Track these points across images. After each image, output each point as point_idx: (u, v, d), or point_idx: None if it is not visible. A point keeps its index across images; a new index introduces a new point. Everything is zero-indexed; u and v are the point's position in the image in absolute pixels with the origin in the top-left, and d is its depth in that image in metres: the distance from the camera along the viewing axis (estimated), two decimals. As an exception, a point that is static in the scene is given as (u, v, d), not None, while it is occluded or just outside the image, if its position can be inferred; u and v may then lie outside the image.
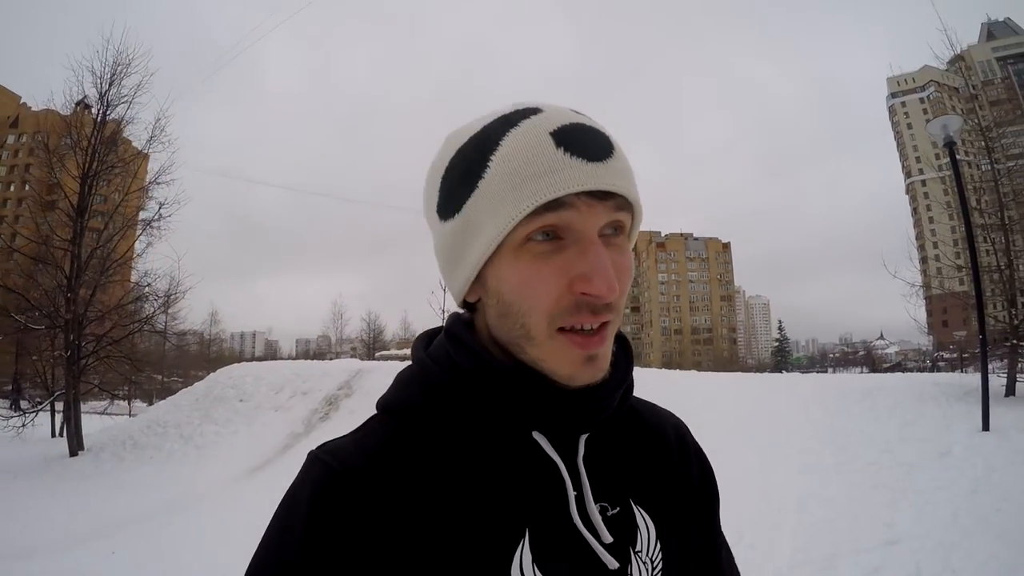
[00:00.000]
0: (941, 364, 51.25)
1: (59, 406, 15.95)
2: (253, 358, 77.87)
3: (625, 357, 0.71)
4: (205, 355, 53.42)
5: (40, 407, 16.06)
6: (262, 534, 0.60)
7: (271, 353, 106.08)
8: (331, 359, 26.48)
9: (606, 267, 0.58)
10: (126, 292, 16.79)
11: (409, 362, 0.73)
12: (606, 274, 0.58)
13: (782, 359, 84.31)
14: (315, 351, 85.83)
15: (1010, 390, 10.26)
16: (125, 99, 15.27)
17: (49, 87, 22.03)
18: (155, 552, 6.50)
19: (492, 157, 0.60)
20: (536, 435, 0.64)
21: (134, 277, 16.56)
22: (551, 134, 0.59)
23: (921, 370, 46.24)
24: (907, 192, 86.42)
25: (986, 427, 7.93)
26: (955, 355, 51.31)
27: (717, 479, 0.83)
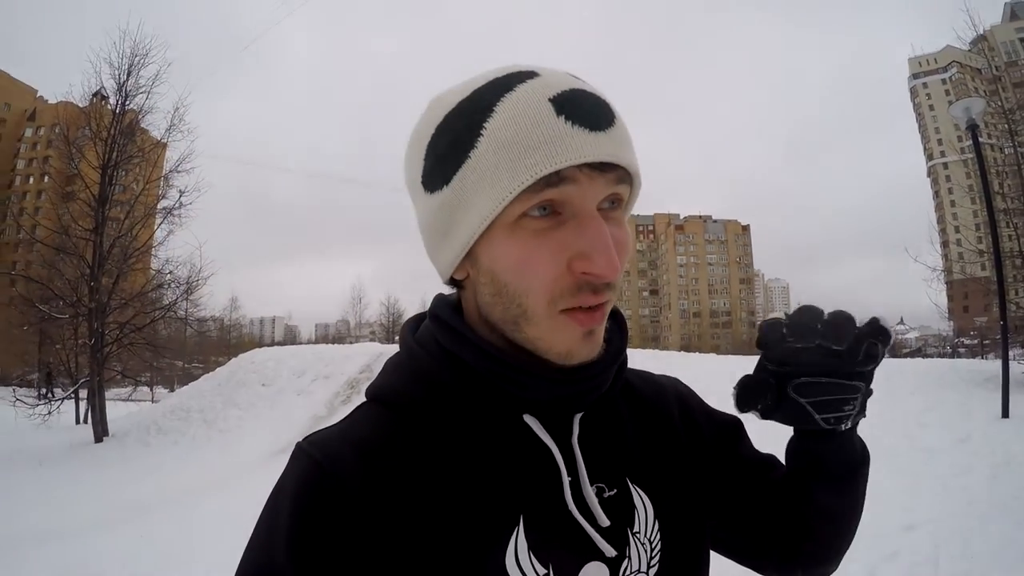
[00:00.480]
0: (961, 350, 50.65)
1: (83, 393, 16.21)
2: (273, 343, 78.58)
3: (619, 332, 0.69)
4: (226, 341, 53.84)
5: (66, 395, 16.34)
6: (251, 531, 0.58)
7: (291, 338, 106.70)
8: (351, 343, 26.62)
9: (607, 244, 0.55)
10: (148, 280, 16.99)
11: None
12: (607, 252, 0.55)
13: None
14: (334, 335, 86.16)
15: (1031, 377, 10.16)
16: (143, 89, 15.44)
17: (67, 80, 22.17)
18: (182, 536, 6.60)
19: (485, 125, 0.56)
20: (527, 418, 0.61)
21: (155, 265, 16.74)
22: (551, 100, 0.55)
23: (941, 356, 45.71)
24: (929, 175, 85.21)
25: (1006, 414, 7.87)
26: (976, 341, 50.69)
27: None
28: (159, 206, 16.10)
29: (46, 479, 10.18)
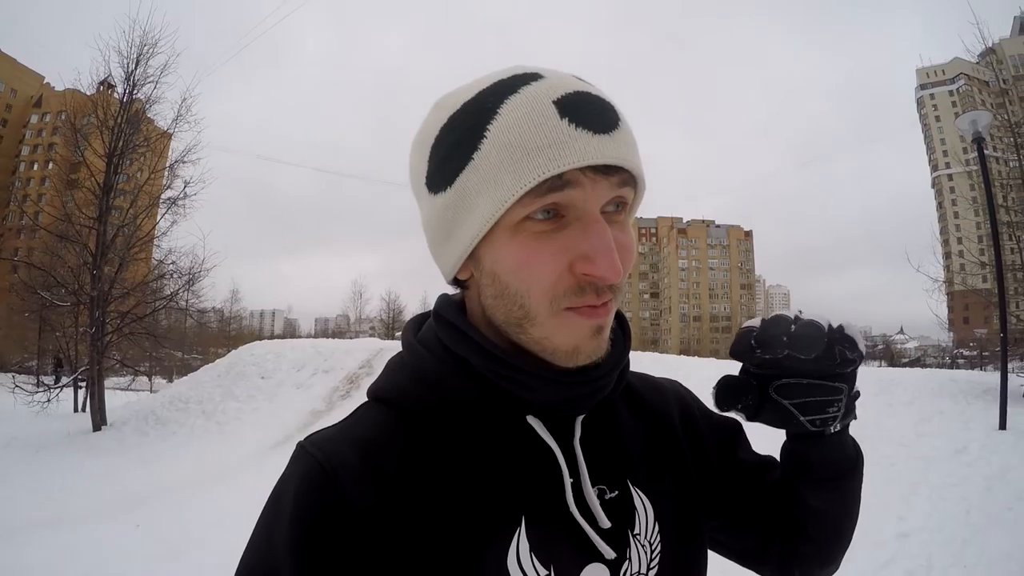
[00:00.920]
0: (961, 361, 50.62)
1: (82, 381, 16.21)
2: (273, 336, 78.52)
3: (623, 335, 0.69)
4: (225, 332, 53.78)
5: (66, 383, 16.34)
6: (252, 529, 0.58)
7: (290, 331, 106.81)
8: (351, 338, 26.58)
9: (610, 247, 0.55)
10: (150, 270, 16.99)
11: None
12: (610, 255, 0.55)
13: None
14: (334, 330, 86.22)
15: (1029, 389, 10.14)
16: (151, 79, 15.38)
17: (74, 67, 22.22)
18: (178, 526, 6.60)
19: (489, 127, 0.56)
20: (531, 419, 0.61)
21: (158, 255, 16.73)
22: (555, 103, 0.55)
23: (940, 366, 45.69)
24: (933, 186, 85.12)
25: (1003, 426, 7.86)
26: (975, 353, 50.69)
27: None
28: (163, 196, 16.09)
29: (43, 466, 10.17)
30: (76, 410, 16.96)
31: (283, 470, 0.60)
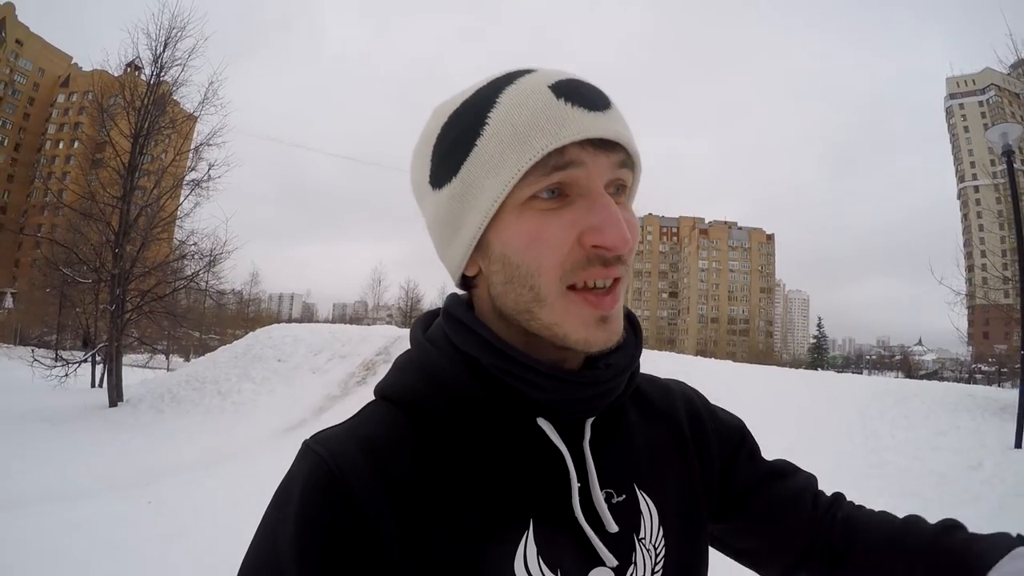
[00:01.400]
0: (978, 376, 50.05)
1: (100, 357, 16.42)
2: (291, 320, 79.09)
3: (634, 336, 0.69)
4: (243, 314, 54.24)
5: (84, 358, 16.56)
6: (256, 528, 0.57)
7: (308, 316, 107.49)
8: (368, 324, 26.66)
9: (617, 218, 0.56)
10: (171, 250, 17.16)
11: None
12: (618, 225, 0.56)
13: (819, 357, 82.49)
14: (351, 316, 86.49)
15: (1048, 409, 10.00)
16: (179, 62, 15.55)
17: (102, 48, 22.34)
18: (190, 504, 6.68)
19: (490, 115, 0.58)
20: (541, 422, 0.61)
21: (180, 236, 16.89)
22: (550, 87, 0.58)
23: (958, 380, 45.15)
24: (959, 197, 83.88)
25: (1019, 444, 7.77)
26: (993, 369, 50.08)
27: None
28: (187, 178, 16.24)
29: (58, 440, 10.31)
30: (93, 385, 17.21)
31: (288, 468, 0.59)
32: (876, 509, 0.79)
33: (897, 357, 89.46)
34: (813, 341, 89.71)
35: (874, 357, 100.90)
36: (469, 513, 0.57)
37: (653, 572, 0.65)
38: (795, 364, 72.90)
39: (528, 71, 0.61)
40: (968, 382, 40.17)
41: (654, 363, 13.25)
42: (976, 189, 76.00)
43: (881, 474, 7.15)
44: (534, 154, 0.55)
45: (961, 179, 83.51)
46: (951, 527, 0.72)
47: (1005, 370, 45.89)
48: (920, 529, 0.73)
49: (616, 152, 0.58)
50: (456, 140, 0.60)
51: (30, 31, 78.36)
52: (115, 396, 13.56)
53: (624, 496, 0.65)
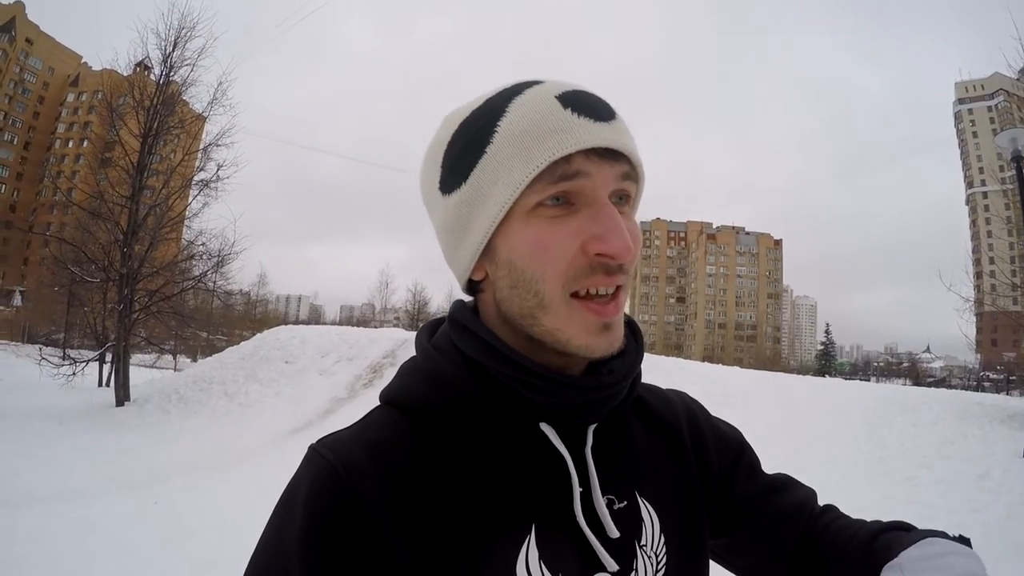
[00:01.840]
0: (986, 384, 49.77)
1: (108, 357, 16.48)
2: (298, 321, 79.36)
3: (635, 344, 0.70)
4: (251, 315, 54.35)
5: (92, 357, 16.64)
6: (262, 531, 0.58)
7: (315, 317, 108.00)
8: (375, 327, 26.66)
9: (621, 228, 0.58)
10: (180, 250, 17.21)
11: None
12: (621, 234, 0.57)
13: (826, 363, 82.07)
14: (359, 318, 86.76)
15: (1057, 418, 9.93)
16: (188, 62, 15.60)
17: (111, 47, 22.41)
18: (196, 504, 6.69)
19: (499, 123, 0.60)
20: (544, 427, 0.62)
21: (188, 236, 16.95)
22: (557, 97, 0.59)
23: (966, 388, 44.92)
24: (967, 203, 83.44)
25: (1028, 453, 7.72)
26: (1002, 376, 49.81)
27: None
28: (195, 178, 16.29)
29: (65, 439, 10.35)
30: (100, 384, 17.27)
31: (294, 472, 0.60)
32: (884, 517, 0.77)
33: (905, 364, 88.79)
34: (821, 347, 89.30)
35: (882, 364, 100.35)
36: (473, 516, 0.58)
37: None
38: (802, 370, 72.77)
39: (537, 82, 0.63)
40: (976, 390, 40.01)
41: (661, 368, 13.24)
42: (985, 195, 75.63)
43: (888, 482, 7.11)
44: (541, 162, 0.57)
45: (970, 184, 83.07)
46: (889, 528, 0.71)
47: (1014, 378, 45.62)
48: (861, 536, 0.72)
49: (620, 162, 0.60)
50: (466, 147, 0.61)
51: (40, 30, 78.89)
52: (122, 396, 13.60)
53: (625, 503, 0.66)
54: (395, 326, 43.33)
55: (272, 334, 17.19)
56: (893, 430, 9.10)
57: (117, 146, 15.64)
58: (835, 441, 8.74)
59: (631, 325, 0.70)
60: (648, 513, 0.67)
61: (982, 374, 56.70)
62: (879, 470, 7.54)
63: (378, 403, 0.68)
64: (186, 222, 16.75)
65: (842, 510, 0.81)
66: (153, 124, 15.18)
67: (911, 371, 75.75)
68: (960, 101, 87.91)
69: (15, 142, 76.32)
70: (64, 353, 17.76)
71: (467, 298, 0.71)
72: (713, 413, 0.85)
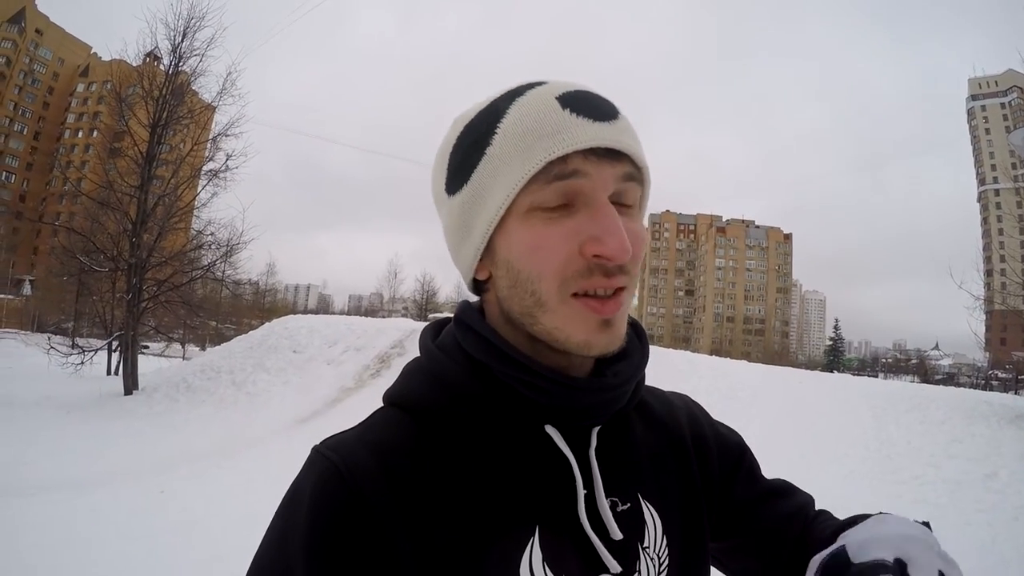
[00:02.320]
0: (995, 383, 49.49)
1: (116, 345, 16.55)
2: (306, 310, 79.63)
3: (640, 346, 0.70)
4: (259, 304, 54.61)
5: (100, 346, 16.73)
6: (264, 533, 0.58)
7: (324, 307, 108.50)
8: (383, 317, 26.73)
9: (618, 228, 0.57)
10: (188, 240, 17.28)
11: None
12: (619, 235, 0.57)
13: (835, 359, 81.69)
14: (367, 308, 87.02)
15: (1066, 418, 9.86)
16: (197, 52, 15.60)
17: (121, 37, 22.49)
18: (203, 493, 6.73)
19: (499, 125, 0.60)
20: (549, 428, 0.62)
21: (197, 226, 17.01)
22: (557, 98, 0.60)
23: (974, 386, 44.67)
24: (979, 200, 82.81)
25: (1035, 455, 7.68)
26: (1010, 375, 49.48)
27: (763, 470, 0.82)
28: (205, 168, 16.36)
29: (72, 427, 10.41)
30: (109, 373, 17.37)
31: (297, 474, 0.60)
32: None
33: (913, 361, 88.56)
34: (829, 343, 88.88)
35: (890, 360, 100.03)
36: (477, 517, 0.58)
37: None
38: (811, 365, 72.38)
39: (540, 83, 0.63)
40: (984, 388, 39.83)
41: (669, 361, 13.22)
42: (997, 192, 75.01)
43: (896, 480, 7.09)
44: (536, 162, 0.57)
45: (982, 182, 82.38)
46: (849, 521, 0.73)
47: (1022, 377, 45.34)
48: (833, 528, 0.73)
49: (621, 162, 0.59)
50: (469, 149, 0.62)
51: (50, 21, 79.01)
52: (130, 384, 13.68)
53: (628, 505, 0.66)
54: (403, 316, 43.40)
55: (280, 323, 17.24)
56: (901, 428, 9.07)
57: (126, 136, 15.69)
58: (842, 438, 8.72)
59: (636, 327, 0.71)
60: (651, 515, 0.67)
61: (990, 372, 56.34)
62: (886, 468, 7.52)
63: (382, 403, 0.68)
64: (195, 212, 16.80)
65: (849, 508, 0.81)
66: (162, 114, 15.20)
67: (919, 368, 75.47)
68: (973, 97, 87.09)
69: (25, 132, 76.61)
70: (73, 342, 17.85)
71: (474, 298, 0.71)
72: (720, 407, 0.84)
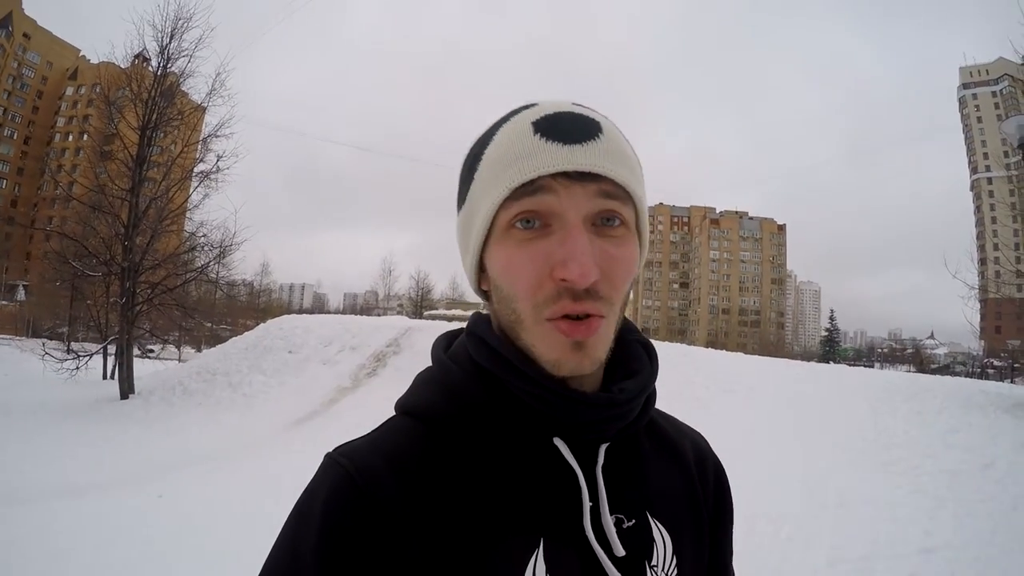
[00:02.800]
0: (990, 371, 49.73)
1: (111, 349, 16.49)
2: (301, 310, 79.52)
3: (649, 365, 0.70)
4: (254, 305, 54.56)
5: (95, 351, 16.66)
6: (276, 537, 0.59)
7: (319, 306, 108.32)
8: (378, 315, 26.69)
9: (582, 252, 0.57)
10: (181, 242, 17.23)
11: (460, 324, 0.74)
12: (580, 259, 0.56)
13: (831, 349, 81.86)
14: (362, 306, 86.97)
15: (1062, 407, 9.89)
16: (185, 53, 15.53)
17: (109, 41, 22.38)
18: (201, 497, 6.71)
19: (485, 151, 0.64)
20: (557, 441, 0.62)
21: (189, 227, 16.96)
22: (532, 123, 0.62)
23: (970, 375, 44.88)
24: (972, 189, 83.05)
25: (1032, 442, 7.69)
26: (1006, 364, 49.74)
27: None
28: (196, 170, 16.30)
29: (69, 433, 10.38)
30: (105, 377, 17.32)
31: (310, 480, 0.61)
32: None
33: (909, 350, 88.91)
34: (825, 334, 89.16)
35: (886, 350, 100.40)
36: (484, 526, 0.58)
37: None
38: (806, 356, 72.58)
39: (529, 106, 0.66)
40: (980, 377, 40.03)
41: (665, 354, 13.11)
42: (989, 181, 75.30)
43: (894, 471, 7.08)
44: (504, 188, 0.60)
45: (974, 170, 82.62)
46: None
47: (1018, 366, 45.63)
48: None
49: (595, 182, 0.59)
50: (466, 171, 0.67)
51: (37, 24, 78.52)
52: (126, 388, 13.65)
53: (634, 521, 0.66)
54: (398, 313, 43.38)
55: (275, 324, 17.20)
56: (898, 419, 9.07)
57: (116, 139, 15.61)
58: (839, 429, 8.71)
59: (647, 347, 0.72)
60: (660, 534, 0.67)
61: (986, 361, 56.73)
62: (884, 459, 7.51)
63: (384, 389, 0.68)
64: (187, 214, 16.74)
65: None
66: (151, 116, 15.13)
67: (915, 357, 75.75)
68: (965, 86, 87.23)
69: (15, 137, 76.15)
70: (68, 347, 17.78)
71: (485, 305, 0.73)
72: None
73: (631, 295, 0.68)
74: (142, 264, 14.85)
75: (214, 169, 15.85)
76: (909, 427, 8.62)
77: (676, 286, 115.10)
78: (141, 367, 15.23)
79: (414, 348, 13.98)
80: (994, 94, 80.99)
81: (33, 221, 59.69)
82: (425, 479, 0.59)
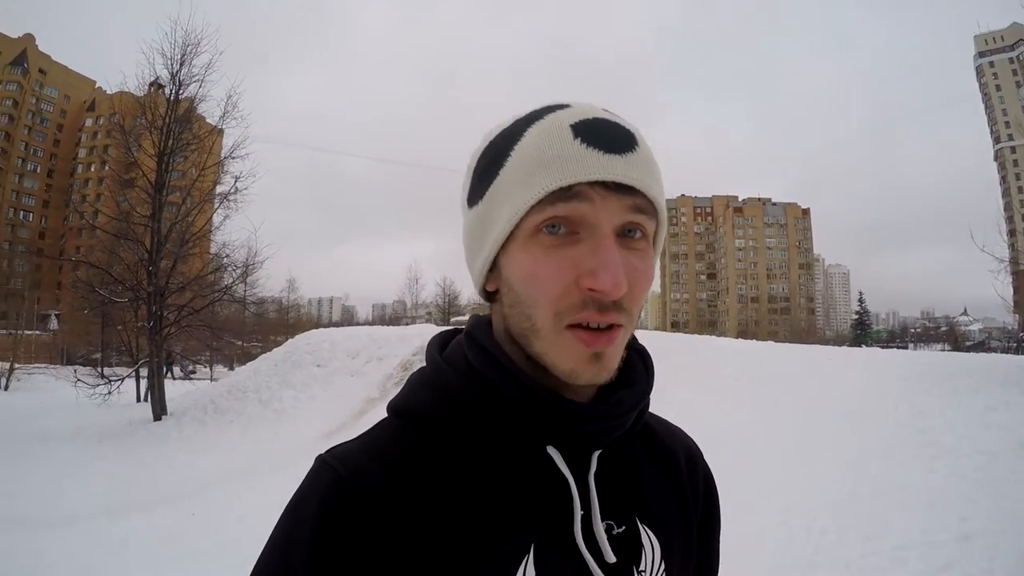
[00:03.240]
0: (1027, 345, 48.54)
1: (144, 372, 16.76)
2: (330, 323, 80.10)
3: (645, 373, 0.70)
4: (284, 321, 55.05)
5: (127, 374, 16.95)
6: (267, 538, 0.59)
7: (348, 318, 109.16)
8: (407, 324, 26.79)
9: (615, 263, 0.56)
10: (205, 264, 17.47)
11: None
12: (614, 270, 0.56)
13: (862, 333, 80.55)
14: (391, 316, 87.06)
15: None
16: (196, 78, 15.79)
17: (122, 71, 22.79)
18: (235, 515, 6.75)
19: (514, 148, 0.61)
20: (550, 449, 0.62)
21: (212, 249, 17.18)
22: (571, 126, 0.60)
23: (1006, 351, 43.87)
24: (996, 159, 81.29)
25: (1074, 419, 7.48)
26: (1042, 337, 48.55)
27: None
28: (215, 192, 16.47)
29: (105, 457, 10.58)
30: (138, 400, 17.61)
31: (301, 482, 0.61)
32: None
33: (943, 328, 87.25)
34: (855, 317, 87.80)
35: (919, 329, 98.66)
36: (476, 532, 0.59)
37: None
38: (838, 340, 71.39)
39: (562, 106, 0.63)
40: (1016, 352, 39.09)
41: (694, 348, 13.14)
42: (1013, 150, 73.67)
43: (930, 454, 6.91)
44: (539, 191, 0.58)
45: (997, 140, 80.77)
46: None
47: (1055, 337, 44.53)
48: None
49: (630, 195, 0.59)
50: (487, 167, 0.64)
51: (52, 60, 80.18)
52: (159, 410, 13.86)
53: (624, 527, 0.66)
54: (427, 321, 43.52)
55: (303, 339, 17.32)
56: (933, 399, 8.86)
57: (135, 167, 15.87)
58: (873, 413, 8.55)
59: (643, 355, 0.71)
60: (649, 539, 0.67)
61: (1022, 335, 55.34)
62: (920, 442, 7.34)
63: (386, 413, 0.69)
64: (210, 235, 16.94)
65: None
66: (168, 143, 15.36)
67: (949, 335, 74.35)
68: (981, 54, 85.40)
69: (38, 171, 77.90)
70: (100, 372, 18.10)
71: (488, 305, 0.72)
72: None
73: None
74: (168, 287, 15.08)
75: (232, 190, 16.06)
76: (944, 408, 8.42)
77: (703, 277, 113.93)
78: (173, 388, 15.47)
79: (441, 356, 13.99)
80: (1011, 60, 79.21)
81: (61, 252, 60.85)
82: (415, 482, 0.59)
